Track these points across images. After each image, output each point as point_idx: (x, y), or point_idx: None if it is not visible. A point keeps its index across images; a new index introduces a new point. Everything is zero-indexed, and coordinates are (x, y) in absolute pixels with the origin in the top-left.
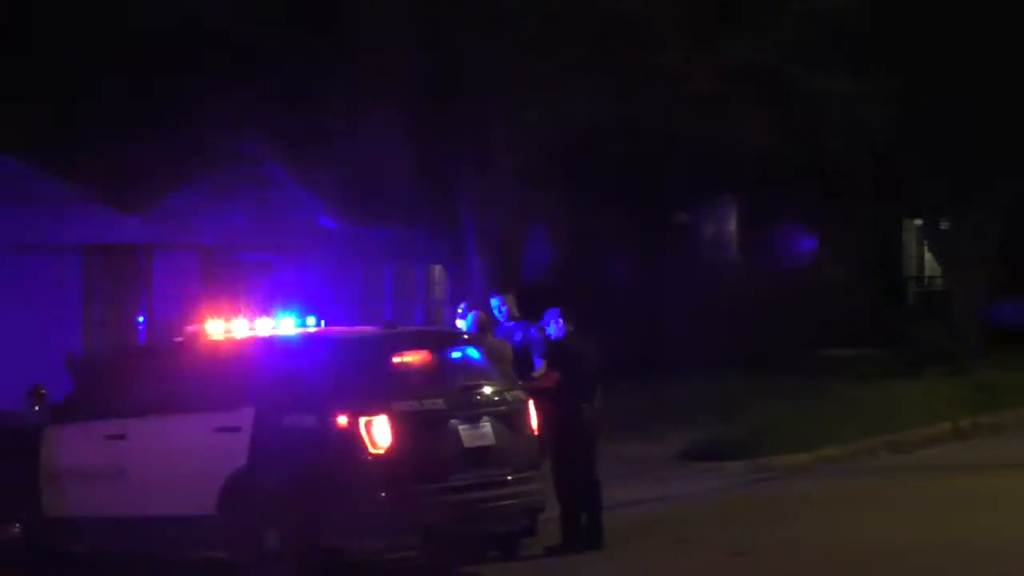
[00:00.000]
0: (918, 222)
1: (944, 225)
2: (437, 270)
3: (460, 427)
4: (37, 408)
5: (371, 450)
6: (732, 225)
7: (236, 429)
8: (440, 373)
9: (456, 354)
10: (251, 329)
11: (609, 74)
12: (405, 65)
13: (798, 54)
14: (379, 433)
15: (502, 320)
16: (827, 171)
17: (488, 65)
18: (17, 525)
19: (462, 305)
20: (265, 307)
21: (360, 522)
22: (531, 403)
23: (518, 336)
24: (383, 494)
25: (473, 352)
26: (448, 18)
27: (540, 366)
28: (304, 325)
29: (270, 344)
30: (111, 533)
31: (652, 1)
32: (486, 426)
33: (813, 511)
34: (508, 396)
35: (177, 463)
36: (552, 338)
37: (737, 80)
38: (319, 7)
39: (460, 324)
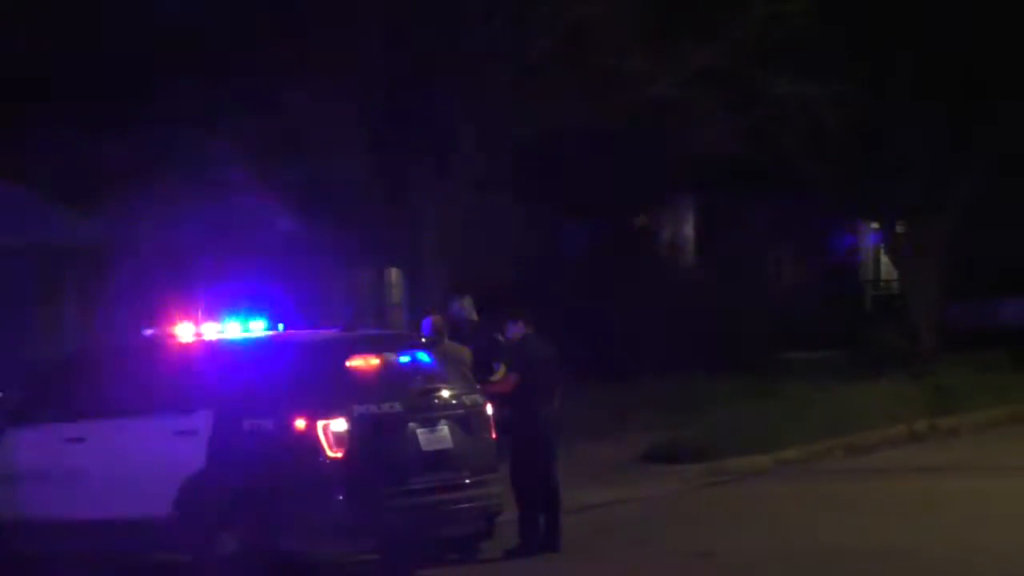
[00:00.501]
0: (875, 225)
1: (900, 229)
2: (394, 272)
3: (418, 430)
4: None
5: (329, 453)
6: (690, 228)
7: (194, 432)
8: (397, 376)
9: (411, 358)
10: (209, 332)
11: (572, 77)
12: (366, 66)
13: (759, 57)
14: (337, 436)
15: (460, 323)
16: (786, 174)
17: (451, 67)
18: None
19: (422, 310)
20: (224, 310)
21: (318, 525)
22: (489, 406)
23: (476, 339)
24: (341, 497)
25: (430, 356)
26: (412, 18)
27: (498, 369)
28: (261, 328)
29: (228, 347)
30: (68, 535)
31: (615, 4)
32: (444, 429)
33: (772, 513)
34: (466, 399)
35: (135, 466)
36: (510, 341)
37: (699, 83)
38: (283, 7)
39: (417, 328)
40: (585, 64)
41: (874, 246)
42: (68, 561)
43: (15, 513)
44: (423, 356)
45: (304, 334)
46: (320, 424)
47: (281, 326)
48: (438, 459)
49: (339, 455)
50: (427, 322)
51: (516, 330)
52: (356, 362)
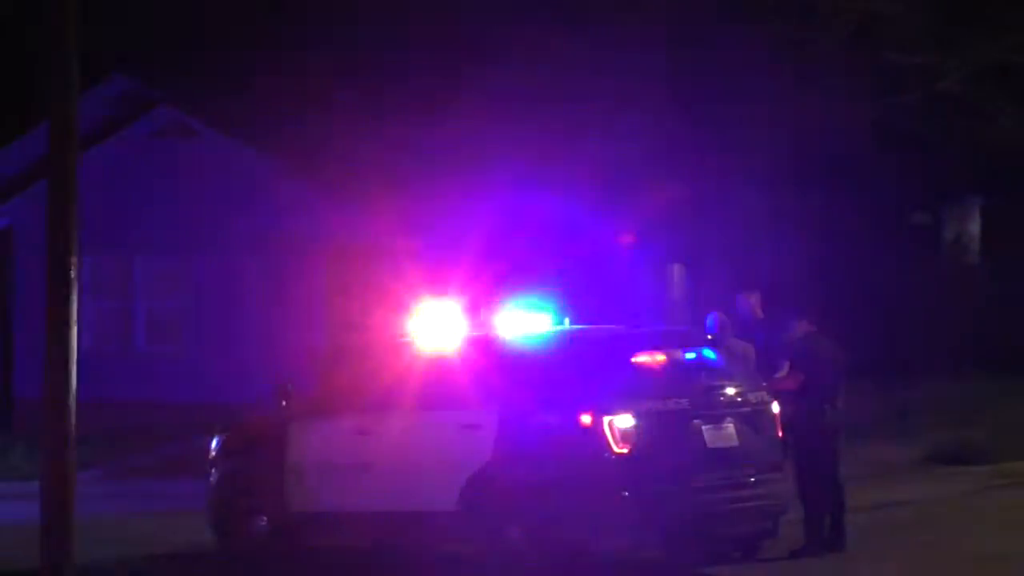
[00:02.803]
0: None
1: None
2: (677, 269)
3: (703, 427)
4: (284, 403)
5: (614, 449)
6: (976, 226)
7: (479, 426)
8: (684, 373)
9: (697, 355)
10: (496, 327)
11: (859, 73)
12: (648, 65)
13: None
14: (622, 432)
15: (745, 321)
16: None
17: (737, 63)
18: (264, 519)
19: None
20: (510, 305)
21: (602, 520)
22: (775, 404)
23: (760, 337)
24: (626, 493)
25: (716, 353)
26: (695, 18)
27: (783, 367)
28: (548, 323)
29: (514, 342)
30: (354, 527)
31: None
32: (729, 427)
33: None
34: (752, 397)
35: (420, 459)
36: (795, 339)
37: (987, 78)
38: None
39: (703, 324)
40: (872, 59)
41: None
42: (353, 552)
43: (304, 505)
44: (709, 353)
45: (591, 329)
46: (606, 420)
47: (567, 321)
48: (723, 457)
49: (625, 451)
50: (713, 318)
51: (800, 328)
52: (643, 358)
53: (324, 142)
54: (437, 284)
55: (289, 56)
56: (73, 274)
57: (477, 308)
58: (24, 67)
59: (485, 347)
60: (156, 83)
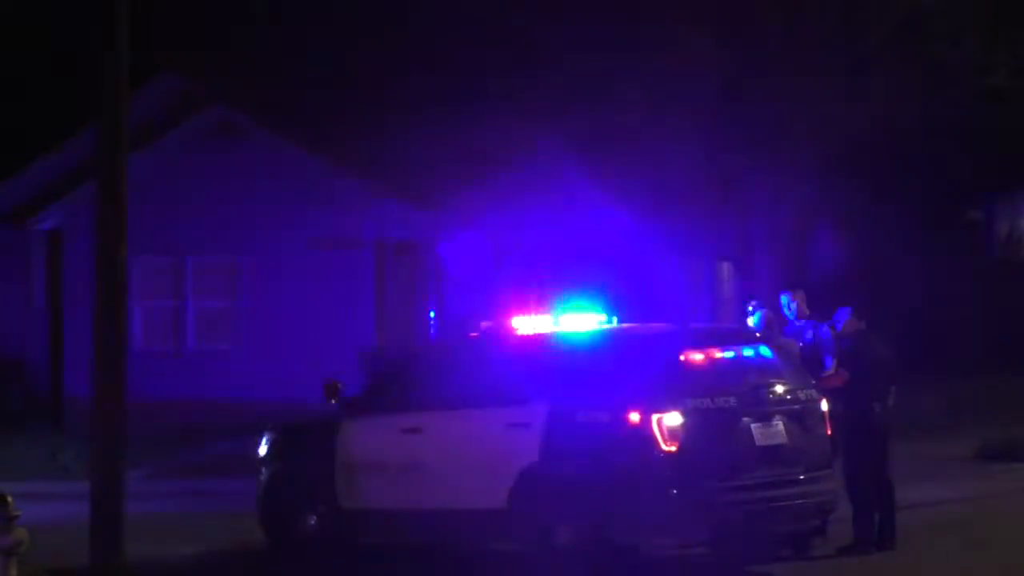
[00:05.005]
0: None
1: None
2: (725, 267)
3: (752, 425)
4: (333, 401)
5: (663, 447)
6: None
7: (528, 424)
8: (732, 370)
9: (748, 352)
10: (544, 325)
11: (907, 68)
12: (696, 62)
13: None
14: (671, 430)
15: (792, 318)
16: None
17: (783, 61)
18: (314, 517)
19: (751, 303)
20: (559, 303)
21: (651, 518)
22: (824, 402)
23: (808, 335)
24: (674, 491)
25: (765, 350)
26: (744, 15)
27: (831, 365)
28: (596, 321)
29: (562, 340)
30: (404, 525)
31: None
32: (778, 424)
33: None
34: (801, 394)
35: (470, 457)
36: (843, 336)
37: None
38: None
39: (749, 322)
40: (918, 54)
41: None
42: (402, 549)
43: (354, 503)
44: (758, 350)
45: (639, 327)
46: (655, 417)
47: (615, 319)
48: (772, 454)
49: (673, 449)
50: (761, 316)
51: (848, 325)
52: (691, 356)
53: (376, 140)
54: (486, 283)
55: (340, 53)
56: (122, 274)
57: (526, 306)
58: (75, 67)
59: (534, 345)
60: (205, 81)
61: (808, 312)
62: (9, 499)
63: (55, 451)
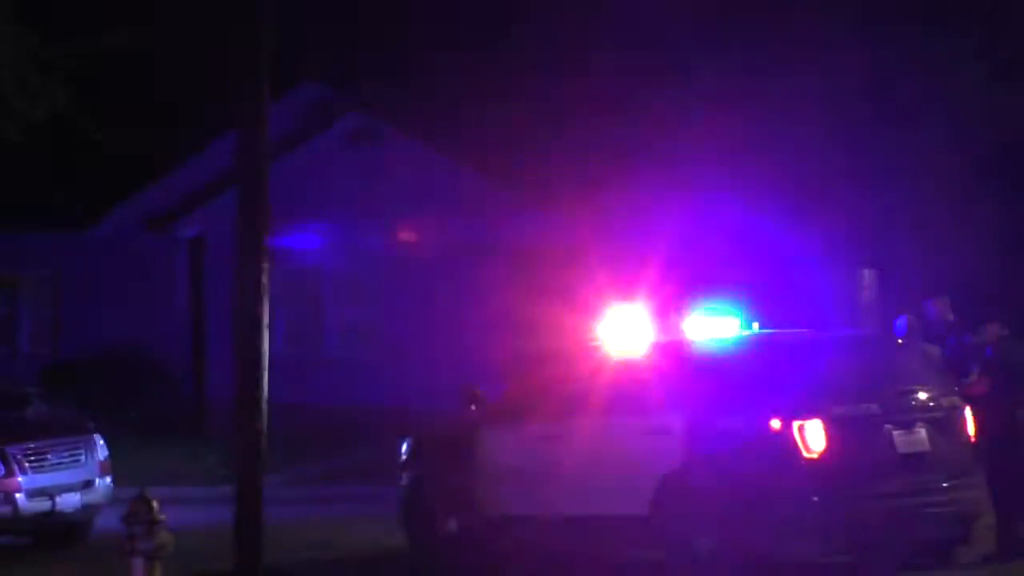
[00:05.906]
0: None
1: None
2: (867, 273)
3: (894, 432)
4: (473, 407)
5: (805, 454)
6: None
7: (667, 431)
8: (874, 377)
9: (890, 358)
10: (685, 331)
11: None
12: (842, 65)
13: None
14: (813, 437)
15: (935, 325)
16: None
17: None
18: (453, 522)
19: (898, 314)
20: (699, 309)
21: (792, 526)
22: (967, 408)
23: (951, 341)
24: (816, 499)
25: (908, 357)
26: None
27: (973, 371)
28: (736, 327)
29: (703, 346)
30: (544, 531)
31: None
32: (921, 431)
33: None
34: (943, 402)
35: (609, 464)
36: (986, 343)
37: None
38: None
39: (892, 328)
40: None
41: None
42: (542, 556)
43: (494, 508)
44: (900, 356)
45: (780, 334)
46: (796, 425)
47: (756, 325)
48: (914, 462)
49: (814, 456)
50: (902, 322)
51: (991, 331)
52: (832, 362)
53: (516, 146)
54: (625, 288)
55: (478, 58)
56: (263, 280)
57: (666, 313)
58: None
59: (674, 352)
60: (344, 89)
61: (951, 318)
62: (154, 503)
63: (198, 454)
